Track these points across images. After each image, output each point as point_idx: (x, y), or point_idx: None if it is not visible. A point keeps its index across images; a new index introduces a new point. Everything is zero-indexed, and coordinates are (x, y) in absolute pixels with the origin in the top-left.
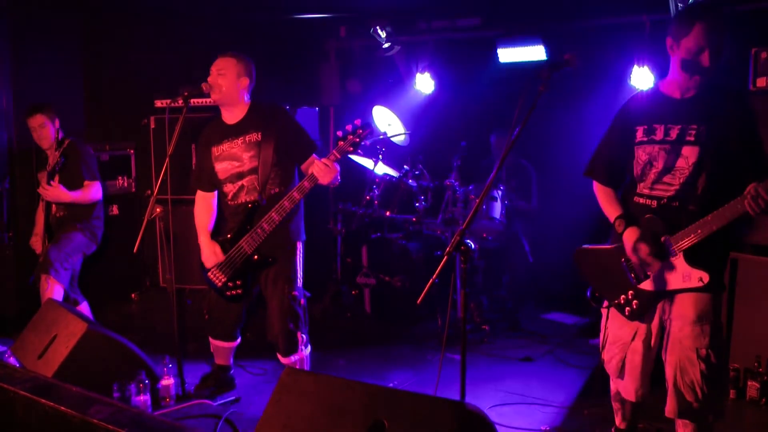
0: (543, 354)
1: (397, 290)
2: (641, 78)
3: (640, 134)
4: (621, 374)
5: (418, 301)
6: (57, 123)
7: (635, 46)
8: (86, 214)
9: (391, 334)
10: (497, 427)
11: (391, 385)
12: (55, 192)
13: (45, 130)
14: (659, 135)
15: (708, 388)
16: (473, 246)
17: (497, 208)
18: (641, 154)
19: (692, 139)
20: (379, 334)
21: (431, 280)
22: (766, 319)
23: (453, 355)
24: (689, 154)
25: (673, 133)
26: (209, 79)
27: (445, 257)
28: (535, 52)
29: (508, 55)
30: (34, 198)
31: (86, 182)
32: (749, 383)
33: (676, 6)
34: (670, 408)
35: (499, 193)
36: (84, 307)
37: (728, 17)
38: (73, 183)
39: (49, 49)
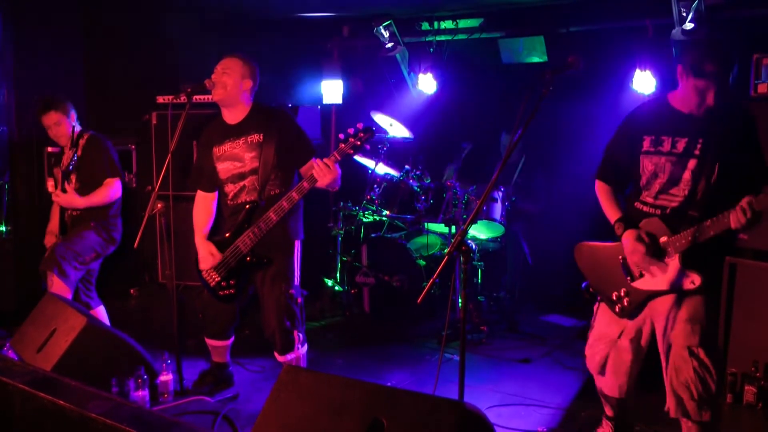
0: (541, 356)
1: (396, 290)
2: (643, 82)
3: (647, 144)
4: (602, 371)
5: (419, 301)
6: (73, 117)
7: (638, 50)
8: (102, 212)
9: (389, 334)
10: (495, 428)
11: (389, 384)
12: (69, 198)
13: (61, 128)
14: (666, 147)
15: (702, 386)
16: (473, 247)
17: (497, 210)
18: (647, 164)
19: (698, 152)
20: (377, 334)
21: (432, 280)
22: (763, 324)
23: (451, 355)
24: (693, 166)
25: (680, 146)
26: (213, 76)
27: (446, 257)
28: (538, 54)
29: (510, 56)
30: (34, 192)
31: (107, 179)
32: (746, 388)
33: (680, 11)
34: (670, 408)
35: (500, 194)
36: (99, 312)
37: (734, 25)
38: (92, 181)
39: (51, 43)
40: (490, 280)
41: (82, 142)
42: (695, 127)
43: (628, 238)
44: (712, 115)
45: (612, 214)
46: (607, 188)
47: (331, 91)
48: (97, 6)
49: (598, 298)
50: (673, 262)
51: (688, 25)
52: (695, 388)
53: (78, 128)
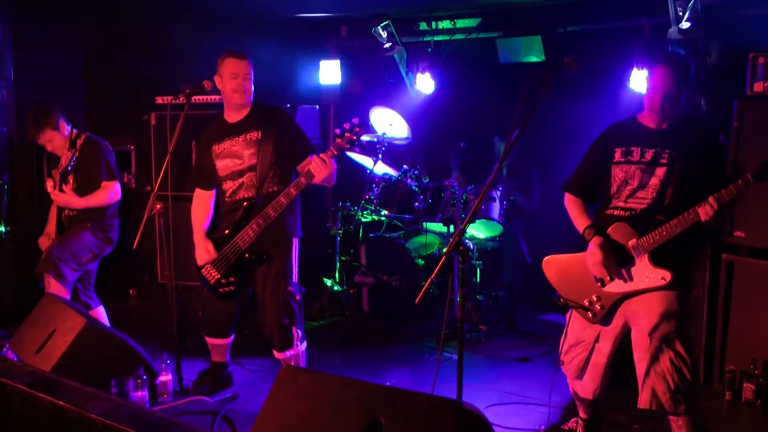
0: (540, 354)
1: (395, 289)
2: (640, 81)
3: (618, 155)
4: (580, 375)
5: (417, 301)
6: (63, 125)
7: (635, 49)
8: (99, 213)
9: (388, 334)
10: (493, 427)
11: (387, 384)
12: (67, 198)
13: (56, 141)
14: (636, 156)
15: (678, 376)
16: (471, 246)
17: (496, 209)
18: (618, 173)
19: (665, 161)
20: (376, 334)
21: (429, 280)
22: (761, 322)
23: (450, 354)
24: (661, 174)
25: (648, 156)
26: (236, 82)
27: (444, 257)
28: (535, 54)
29: (508, 56)
30: (33, 192)
31: (104, 183)
32: (745, 385)
33: (676, 11)
34: (642, 399)
35: (498, 193)
36: (98, 312)
37: (730, 24)
38: (90, 183)
39: (51, 44)
40: (489, 280)
41: (79, 142)
42: (662, 140)
43: (592, 244)
44: (677, 130)
45: (581, 222)
46: (576, 199)
47: (330, 90)
48: (97, 6)
49: (570, 309)
50: (643, 262)
51: (685, 25)
52: (671, 378)
53: (74, 131)
